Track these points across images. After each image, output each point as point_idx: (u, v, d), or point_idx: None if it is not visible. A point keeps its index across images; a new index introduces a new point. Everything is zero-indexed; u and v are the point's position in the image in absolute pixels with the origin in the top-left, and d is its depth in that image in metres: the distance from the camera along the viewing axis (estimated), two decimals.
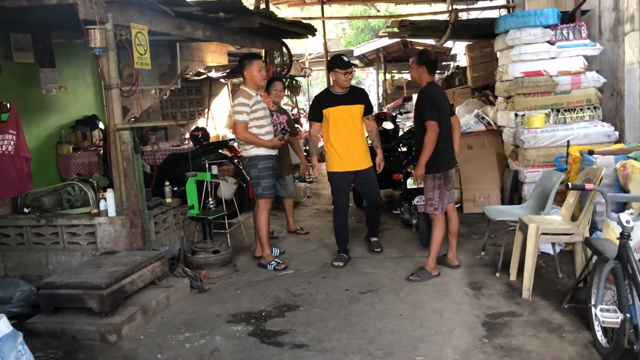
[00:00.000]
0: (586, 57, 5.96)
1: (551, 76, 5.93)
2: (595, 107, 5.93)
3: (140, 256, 4.38)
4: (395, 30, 9.27)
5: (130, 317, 3.91)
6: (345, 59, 5.18)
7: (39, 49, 6.76)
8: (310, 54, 16.63)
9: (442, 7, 13.26)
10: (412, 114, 12.32)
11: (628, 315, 2.99)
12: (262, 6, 8.50)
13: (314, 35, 9.27)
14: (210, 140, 8.30)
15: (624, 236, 3.14)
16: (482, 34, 7.74)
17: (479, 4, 14.35)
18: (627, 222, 3.11)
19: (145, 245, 4.68)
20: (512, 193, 6.40)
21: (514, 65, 6.09)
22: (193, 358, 3.53)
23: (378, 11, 17.23)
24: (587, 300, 3.49)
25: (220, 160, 6.54)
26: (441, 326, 3.76)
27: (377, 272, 4.92)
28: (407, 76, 18.15)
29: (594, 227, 4.60)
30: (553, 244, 4.62)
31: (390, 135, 7.57)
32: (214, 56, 11.35)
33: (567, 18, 6.18)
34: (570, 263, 4.60)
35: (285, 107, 7.29)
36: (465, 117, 7.50)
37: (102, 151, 6.92)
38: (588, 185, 3.48)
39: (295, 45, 16.02)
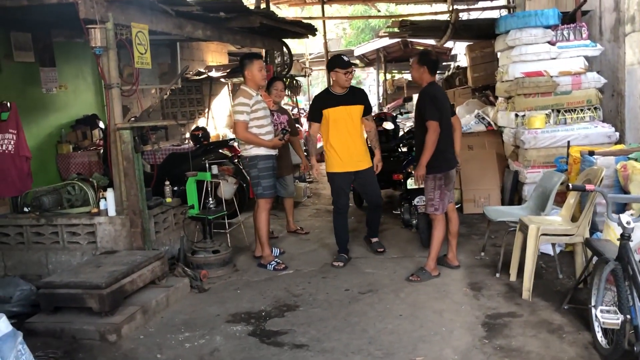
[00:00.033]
0: (587, 58, 5.95)
1: (552, 77, 5.93)
2: (595, 108, 5.93)
3: (140, 256, 4.37)
4: (396, 30, 9.27)
5: (130, 316, 3.91)
6: (346, 58, 5.17)
7: (39, 48, 6.76)
8: (310, 54, 16.64)
9: (443, 7, 13.26)
10: (412, 114, 12.35)
11: (628, 316, 2.99)
12: (263, 6, 8.50)
13: (314, 35, 9.27)
14: (211, 140, 8.31)
15: (625, 237, 3.14)
16: (483, 34, 7.74)
17: (480, 4, 14.36)
18: (628, 223, 3.11)
19: (145, 245, 4.68)
20: (512, 194, 6.40)
21: (515, 65, 6.09)
22: (193, 358, 3.53)
23: (378, 11, 17.23)
24: (587, 301, 3.48)
25: (220, 160, 6.54)
26: (441, 327, 3.76)
27: (377, 272, 4.92)
28: (407, 76, 18.15)
29: (594, 228, 4.59)
30: (553, 245, 4.62)
31: (391, 136, 7.57)
32: (215, 56, 11.35)
33: (568, 19, 6.18)
34: (571, 264, 4.60)
35: (285, 107, 7.28)
36: (466, 117, 7.50)
37: (102, 150, 6.91)
38: (589, 186, 3.48)
39: (295, 45, 16.03)
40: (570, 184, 3.55)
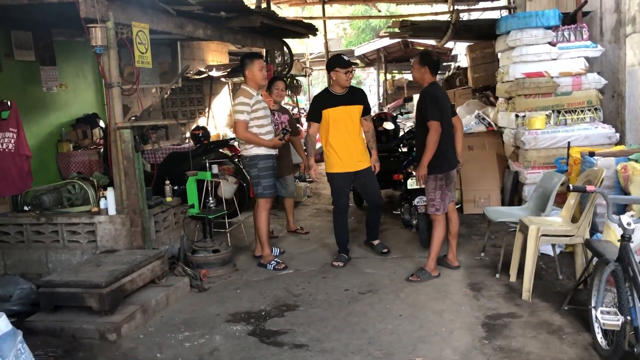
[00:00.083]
0: (587, 59, 5.95)
1: (552, 77, 5.93)
2: (596, 109, 5.93)
3: (140, 255, 4.37)
4: (397, 30, 9.27)
5: (130, 316, 3.91)
6: (346, 57, 5.17)
7: (40, 46, 6.75)
8: (311, 54, 16.64)
9: (444, 7, 13.27)
10: (412, 115, 12.36)
11: (628, 317, 2.99)
12: (264, 5, 8.50)
13: (315, 35, 9.27)
14: (211, 140, 8.30)
15: (625, 238, 3.14)
16: (484, 34, 7.74)
17: (480, 5, 14.36)
18: (628, 224, 3.11)
19: (145, 244, 4.68)
20: (513, 194, 6.40)
21: (515, 66, 6.09)
22: (192, 357, 3.53)
23: (379, 11, 17.23)
24: (587, 302, 3.48)
25: (220, 160, 6.54)
26: (441, 327, 3.76)
27: (377, 272, 4.92)
28: (407, 76, 18.15)
29: (594, 229, 4.59)
30: (553, 246, 4.62)
31: (391, 136, 7.57)
32: (215, 55, 11.35)
33: (569, 19, 6.18)
34: (571, 265, 4.60)
35: (286, 107, 7.28)
36: (466, 117, 7.50)
37: (102, 149, 6.91)
38: (589, 187, 3.48)
39: (296, 45, 16.03)
40: (570, 185, 3.55)
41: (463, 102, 8.78)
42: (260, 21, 6.39)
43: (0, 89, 6.01)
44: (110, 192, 4.74)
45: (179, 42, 8.57)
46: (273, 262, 5.18)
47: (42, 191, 5.01)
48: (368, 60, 17.11)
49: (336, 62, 5.11)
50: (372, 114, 7.08)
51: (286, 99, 11.92)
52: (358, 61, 16.40)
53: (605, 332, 3.24)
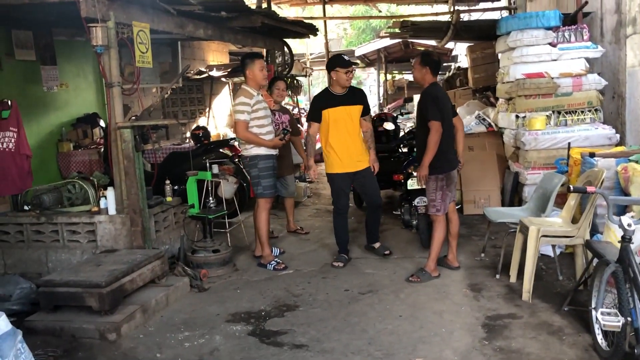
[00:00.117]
0: (588, 60, 5.95)
1: (552, 78, 5.93)
2: (596, 110, 5.93)
3: (140, 255, 4.37)
4: (397, 30, 9.25)
5: (130, 315, 3.91)
6: (346, 57, 5.17)
7: (40, 46, 6.76)
8: (311, 54, 16.63)
9: (444, 8, 13.27)
10: (412, 115, 12.35)
11: (629, 318, 2.99)
12: (264, 5, 8.50)
13: (315, 35, 9.27)
14: (211, 139, 8.30)
15: (625, 239, 3.14)
16: (484, 35, 7.74)
17: (481, 6, 14.35)
18: (629, 225, 3.11)
19: (145, 244, 4.68)
20: (513, 195, 6.40)
21: (516, 66, 6.09)
22: (192, 357, 3.52)
23: (379, 11, 17.24)
24: (588, 303, 3.49)
25: (220, 160, 6.54)
26: (441, 327, 3.76)
27: (377, 272, 4.92)
28: (408, 77, 18.14)
29: (594, 230, 4.59)
30: (553, 246, 4.62)
31: (391, 136, 7.57)
32: (216, 55, 11.35)
33: (569, 20, 6.18)
34: (571, 265, 4.59)
35: (286, 107, 7.28)
36: (466, 118, 7.50)
37: (102, 149, 6.91)
38: (590, 188, 3.48)
39: (296, 45, 16.02)
40: (571, 186, 3.55)
41: (463, 102, 8.78)
42: (261, 21, 6.39)
43: (0, 88, 6.02)
44: (110, 192, 4.74)
45: (180, 42, 8.57)
46: (273, 262, 5.18)
47: (42, 191, 5.02)
48: (368, 61, 17.11)
49: (336, 62, 5.10)
50: (373, 114, 7.09)
51: (287, 99, 11.92)
52: (358, 61, 16.40)
53: (605, 333, 3.24)
